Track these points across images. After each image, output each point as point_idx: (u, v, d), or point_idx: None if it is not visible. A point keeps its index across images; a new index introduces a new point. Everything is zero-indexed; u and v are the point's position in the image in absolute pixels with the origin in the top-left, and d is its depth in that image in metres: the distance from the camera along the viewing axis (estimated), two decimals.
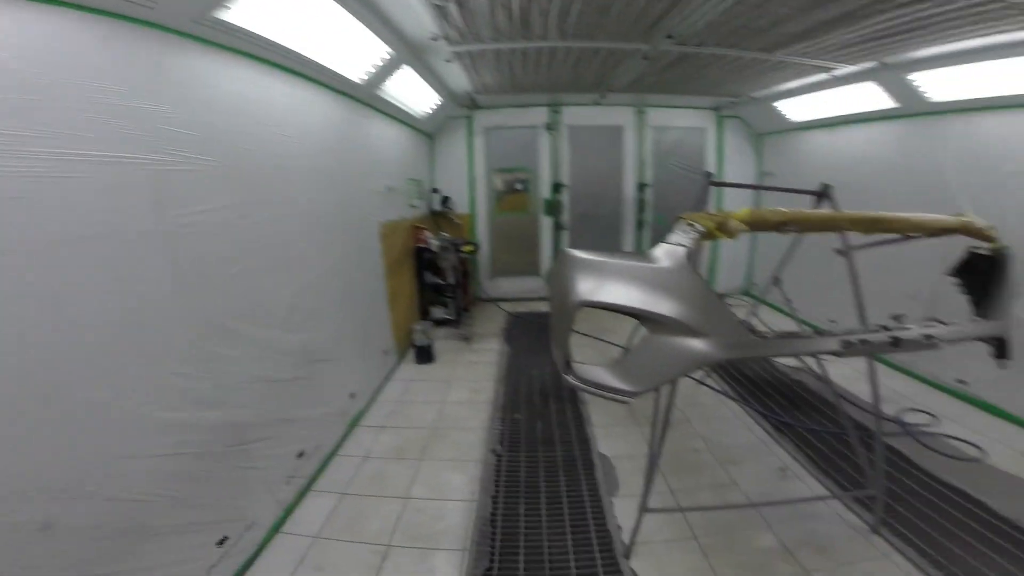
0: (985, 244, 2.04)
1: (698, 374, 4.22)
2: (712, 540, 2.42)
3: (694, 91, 5.45)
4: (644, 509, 2.28)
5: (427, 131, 6.08)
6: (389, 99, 4.24)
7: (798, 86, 4.85)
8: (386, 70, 3.65)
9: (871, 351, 1.68)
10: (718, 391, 4.06)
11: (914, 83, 3.83)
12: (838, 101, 4.75)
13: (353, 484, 2.96)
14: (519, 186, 6.81)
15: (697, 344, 1.55)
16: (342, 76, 3.29)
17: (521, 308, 6.70)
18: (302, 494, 2.81)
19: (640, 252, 1.76)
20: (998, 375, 3.36)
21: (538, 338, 5.41)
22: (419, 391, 4.19)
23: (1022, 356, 3.17)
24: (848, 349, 1.63)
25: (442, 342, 5.36)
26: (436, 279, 5.71)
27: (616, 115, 6.46)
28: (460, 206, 6.54)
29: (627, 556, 2.33)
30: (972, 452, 3.09)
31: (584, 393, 2.54)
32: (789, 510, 2.58)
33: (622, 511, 2.64)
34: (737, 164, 6.62)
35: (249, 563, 2.30)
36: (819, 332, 1.72)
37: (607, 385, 1.63)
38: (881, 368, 4.25)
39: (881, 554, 2.29)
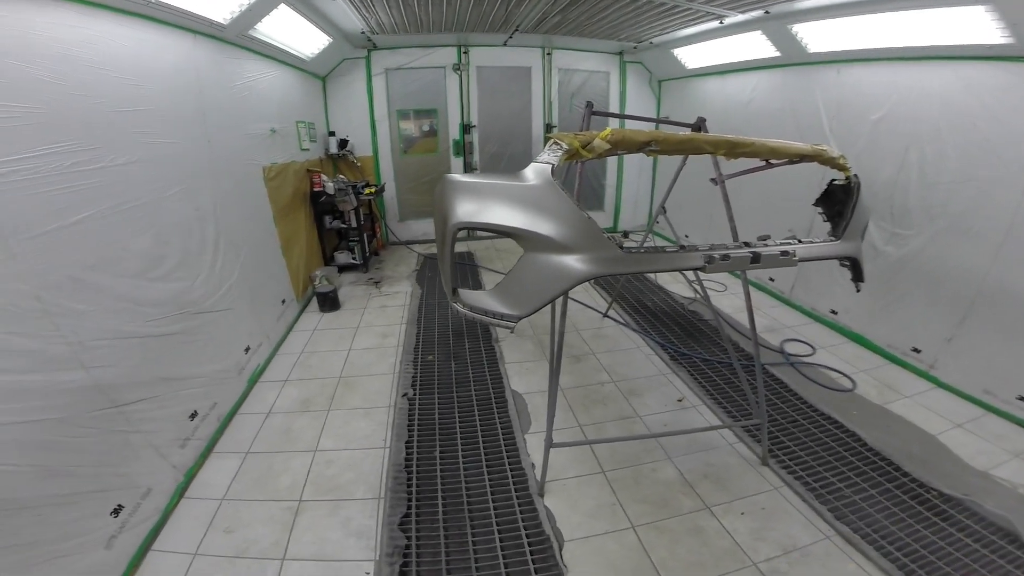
0: (839, 174, 2.26)
1: (602, 307, 4.44)
2: (619, 474, 2.55)
3: (598, 34, 5.47)
4: (550, 445, 2.37)
5: (317, 73, 5.66)
6: (267, 40, 3.93)
7: (694, 33, 5.00)
8: (258, 9, 3.35)
9: (732, 267, 1.74)
10: (620, 323, 4.30)
11: (796, 34, 4.05)
12: (729, 49, 4.96)
13: (258, 442, 2.81)
14: (426, 127, 6.58)
15: (570, 261, 1.56)
16: (202, 17, 2.97)
17: (435, 249, 6.53)
18: (204, 456, 2.64)
19: (513, 173, 1.75)
20: (865, 307, 3.91)
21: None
22: (324, 340, 4.00)
23: (885, 290, 3.73)
24: (711, 264, 1.70)
25: (349, 288, 5.13)
26: (338, 223, 5.37)
27: (524, 56, 6.39)
28: (362, 148, 6.23)
29: (541, 494, 2.41)
30: (845, 383, 3.41)
31: (488, 326, 2.54)
32: (687, 440, 2.76)
33: (535, 447, 2.71)
34: (638, 107, 6.78)
35: (156, 530, 2.20)
36: (684, 248, 1.78)
37: (491, 310, 1.61)
38: (766, 299, 4.81)
39: (772, 487, 2.47)
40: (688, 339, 4.03)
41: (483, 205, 1.63)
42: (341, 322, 4.34)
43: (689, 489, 2.47)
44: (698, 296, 4.63)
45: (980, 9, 2.74)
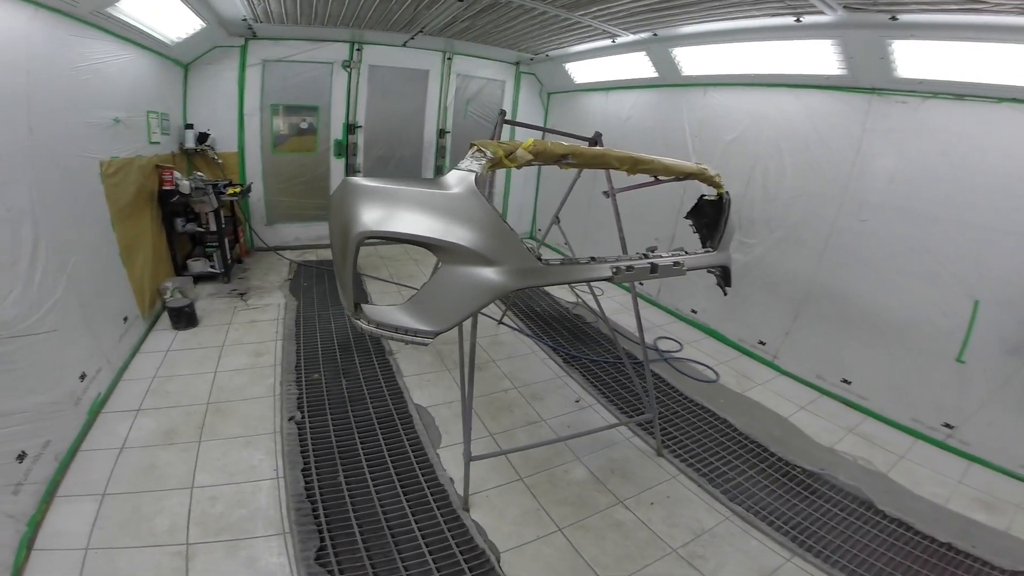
0: (712, 190, 2.54)
1: (497, 315, 4.47)
2: (536, 479, 2.58)
3: (501, 42, 5.55)
4: (469, 458, 2.30)
5: (179, 59, 4.90)
6: (128, 21, 3.45)
7: (587, 49, 5.31)
8: None
9: (636, 277, 1.88)
10: (515, 329, 4.37)
11: (674, 57, 4.51)
12: (614, 67, 5.36)
13: (115, 481, 2.33)
14: (304, 125, 6.05)
15: (490, 273, 1.54)
16: None
17: (310, 256, 6.03)
18: (45, 501, 2.15)
19: (430, 179, 1.76)
20: (719, 307, 4.44)
21: (332, 287, 4.98)
22: (183, 362, 3.41)
23: (734, 291, 4.20)
24: (618, 275, 1.81)
25: (209, 301, 4.47)
26: (192, 226, 4.66)
27: (423, 59, 6.24)
28: (226, 144, 5.52)
29: (466, 508, 2.34)
30: (710, 375, 3.83)
31: (384, 340, 2.41)
32: (590, 440, 2.86)
33: (450, 462, 2.63)
34: (529, 116, 7.01)
35: None
36: (594, 260, 1.86)
37: (403, 327, 1.53)
38: (639, 302, 5.24)
39: (670, 476, 2.67)
40: (576, 341, 4.24)
41: (393, 213, 1.54)
42: (201, 340, 3.74)
43: (601, 486, 2.58)
44: (579, 301, 4.94)
45: (827, 43, 3.26)
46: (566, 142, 2.09)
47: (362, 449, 2.66)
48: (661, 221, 4.76)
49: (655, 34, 4.28)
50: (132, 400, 2.91)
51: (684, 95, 4.76)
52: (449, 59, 6.36)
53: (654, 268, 1.91)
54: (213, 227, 4.71)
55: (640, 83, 5.24)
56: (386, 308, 1.59)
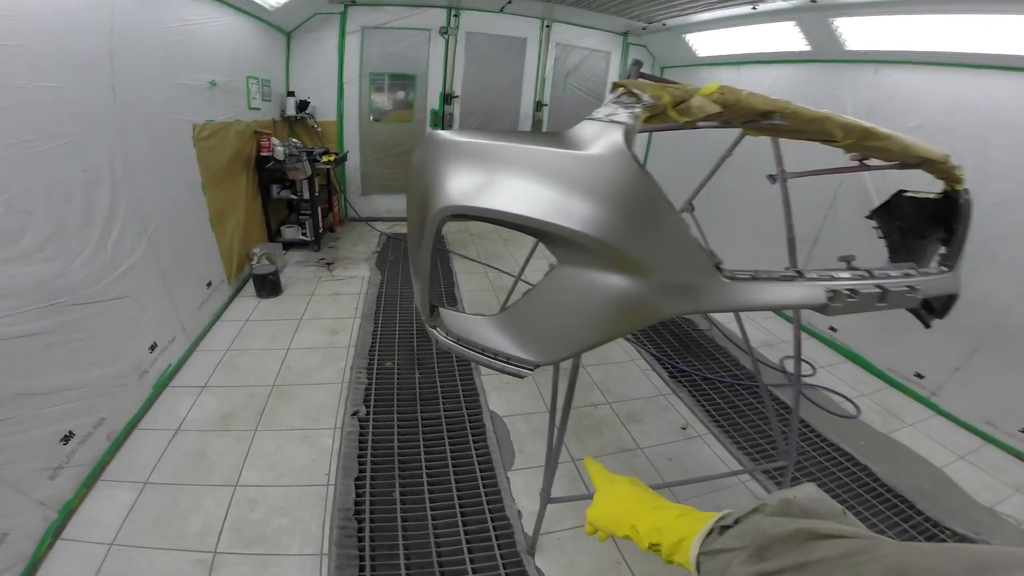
0: (943, 186, 1.78)
1: None
2: None
3: (608, 7, 4.91)
4: (547, 500, 1.85)
5: (281, 26, 4.86)
6: None
7: (716, 18, 4.53)
8: None
9: (860, 307, 1.18)
10: None
11: (836, 28, 3.63)
12: (749, 39, 4.55)
13: (161, 468, 2.17)
14: (402, 94, 5.88)
15: (637, 286, 0.95)
16: None
17: (400, 228, 5.86)
18: (86, 486, 2.02)
19: (550, 133, 1.17)
20: (865, 327, 3.59)
21: None
22: (258, 334, 3.29)
23: (889, 312, 3.41)
24: (836, 301, 1.13)
25: (295, 269, 4.41)
26: (287, 194, 4.61)
27: (520, 26, 5.77)
28: (325, 112, 5.46)
29: (531, 553, 1.93)
30: (849, 408, 3.16)
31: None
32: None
33: (521, 490, 2.22)
34: None
35: None
36: (800, 274, 1.17)
37: (493, 349, 1.04)
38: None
39: None
40: (686, 353, 3.59)
41: (493, 180, 0.99)
42: (281, 311, 3.63)
43: None
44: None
45: None
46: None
47: (425, 461, 2.32)
48: (801, 216, 3.85)
49: (813, 0, 3.42)
50: (200, 375, 2.81)
51: (847, 72, 3.82)
52: (548, 27, 5.83)
53: (884, 295, 1.22)
54: (306, 195, 4.64)
55: (785, 57, 4.33)
56: (473, 319, 1.11)
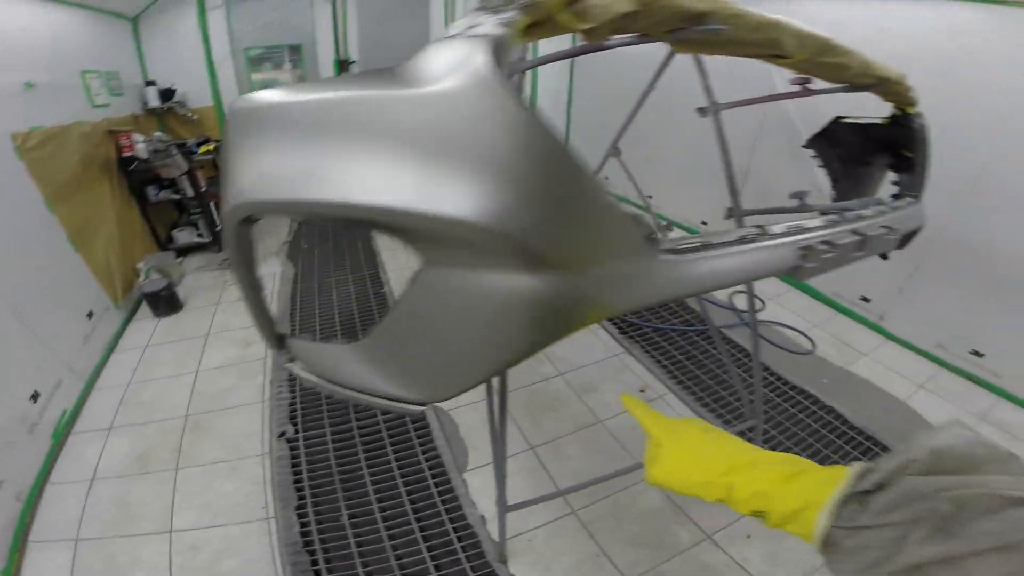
0: (892, 109, 1.68)
1: None
2: (595, 511, 2.07)
3: None
4: (505, 508, 1.76)
5: (122, 12, 4.23)
6: None
7: None
8: None
9: (839, 262, 0.96)
10: None
11: None
12: None
13: (87, 523, 2.03)
14: (289, 67, 5.42)
15: (545, 284, 0.62)
16: None
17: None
18: (16, 549, 1.92)
19: (386, 70, 0.69)
20: None
21: (336, 247, 4.50)
22: (160, 361, 3.02)
23: None
24: (809, 260, 0.91)
25: (197, 276, 4.06)
26: (170, 194, 4.16)
27: None
28: (200, 99, 4.90)
29: (503, 560, 1.88)
30: (805, 343, 3.10)
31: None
32: None
33: (480, 492, 2.13)
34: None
35: None
36: (762, 230, 0.90)
37: (357, 385, 0.78)
38: None
39: None
40: None
41: (303, 156, 0.63)
42: (184, 329, 3.34)
43: (682, 515, 2.06)
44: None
45: None
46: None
47: (370, 476, 2.21)
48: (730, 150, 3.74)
49: None
50: (103, 416, 2.57)
51: (757, 3, 3.49)
52: None
53: (863, 242, 1.02)
54: (191, 192, 4.20)
55: None
56: (331, 351, 0.83)
